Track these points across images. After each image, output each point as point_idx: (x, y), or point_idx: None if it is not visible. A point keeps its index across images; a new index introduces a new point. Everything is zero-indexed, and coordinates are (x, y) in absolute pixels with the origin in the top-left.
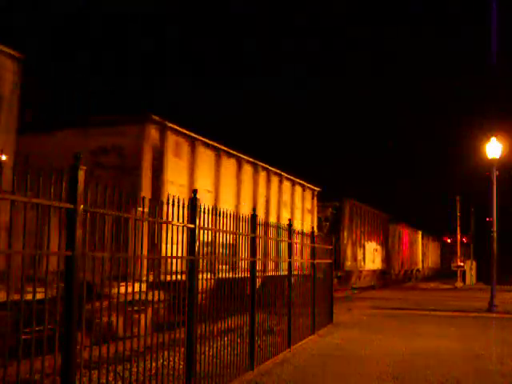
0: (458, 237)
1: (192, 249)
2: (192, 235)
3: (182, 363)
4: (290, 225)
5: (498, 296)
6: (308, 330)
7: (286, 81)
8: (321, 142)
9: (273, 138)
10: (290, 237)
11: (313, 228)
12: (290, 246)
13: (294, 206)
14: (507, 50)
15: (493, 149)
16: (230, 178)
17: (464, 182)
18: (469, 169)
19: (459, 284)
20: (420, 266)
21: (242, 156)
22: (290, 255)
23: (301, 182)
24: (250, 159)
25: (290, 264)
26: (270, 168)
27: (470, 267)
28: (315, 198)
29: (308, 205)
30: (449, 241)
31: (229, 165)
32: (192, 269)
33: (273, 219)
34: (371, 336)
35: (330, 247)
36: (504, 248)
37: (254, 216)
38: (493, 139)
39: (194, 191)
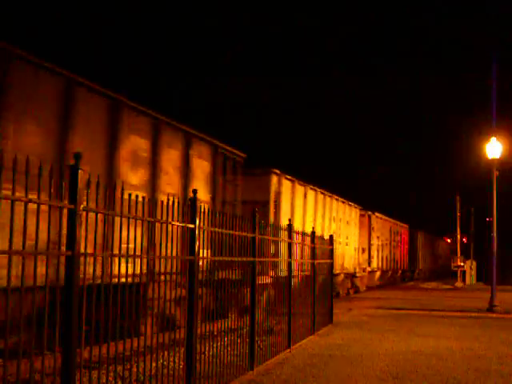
0: (458, 237)
1: (192, 249)
2: (192, 235)
3: (182, 363)
4: (290, 225)
5: (498, 296)
6: (308, 330)
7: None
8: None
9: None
10: (290, 237)
11: (313, 228)
12: (289, 246)
13: None
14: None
15: (493, 149)
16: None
17: (464, 181)
18: (469, 169)
19: (459, 284)
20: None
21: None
22: (289, 255)
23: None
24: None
25: (289, 264)
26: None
27: (470, 267)
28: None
29: None
30: (449, 241)
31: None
32: (192, 269)
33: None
34: (371, 336)
35: (330, 247)
36: (504, 248)
37: (253, 216)
38: (493, 139)
39: (194, 191)
